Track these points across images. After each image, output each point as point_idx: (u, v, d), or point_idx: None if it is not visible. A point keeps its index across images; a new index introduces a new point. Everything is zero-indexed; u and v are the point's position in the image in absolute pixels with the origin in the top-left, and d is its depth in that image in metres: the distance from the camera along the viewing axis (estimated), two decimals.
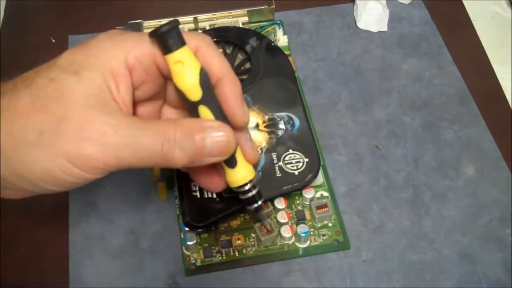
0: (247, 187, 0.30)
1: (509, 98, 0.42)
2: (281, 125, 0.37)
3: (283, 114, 0.37)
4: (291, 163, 0.35)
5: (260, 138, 0.36)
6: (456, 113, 0.41)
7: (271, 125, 0.37)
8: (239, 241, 0.34)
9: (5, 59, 0.44)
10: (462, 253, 0.34)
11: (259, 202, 0.31)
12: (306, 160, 0.35)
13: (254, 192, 0.31)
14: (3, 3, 0.48)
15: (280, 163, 0.35)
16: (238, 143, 0.29)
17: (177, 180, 0.35)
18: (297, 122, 0.37)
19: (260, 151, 0.36)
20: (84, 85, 0.25)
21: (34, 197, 0.37)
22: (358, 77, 0.43)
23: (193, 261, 0.33)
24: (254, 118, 0.37)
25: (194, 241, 0.33)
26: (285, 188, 0.34)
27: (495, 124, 0.40)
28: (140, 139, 0.25)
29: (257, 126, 0.37)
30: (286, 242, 0.34)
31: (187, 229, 0.34)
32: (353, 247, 0.35)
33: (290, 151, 0.36)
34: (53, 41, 0.46)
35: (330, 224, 0.35)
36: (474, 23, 0.47)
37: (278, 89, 0.39)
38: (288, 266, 0.34)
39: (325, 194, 0.36)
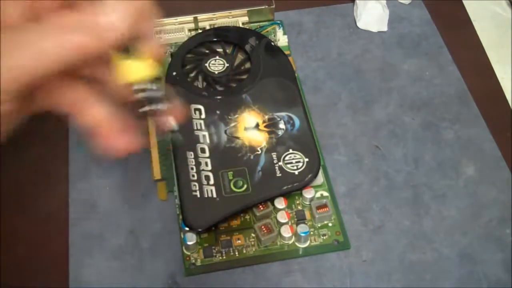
0: (140, 86, 0.25)
1: (509, 98, 0.42)
2: (281, 125, 0.37)
3: (283, 114, 0.37)
4: (291, 163, 0.35)
5: (260, 138, 0.36)
6: (456, 113, 0.41)
7: (271, 125, 0.37)
8: (239, 241, 0.34)
9: None
10: (462, 253, 0.34)
11: (156, 107, 0.25)
12: (306, 160, 0.35)
13: (148, 93, 0.25)
14: None
15: (280, 163, 0.35)
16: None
17: (177, 180, 0.35)
18: (297, 122, 0.37)
19: (260, 151, 0.36)
20: None
21: (34, 198, 0.37)
22: (358, 77, 0.43)
23: (193, 261, 0.33)
24: (254, 118, 0.37)
25: (194, 241, 0.33)
26: (285, 188, 0.35)
27: (495, 124, 0.40)
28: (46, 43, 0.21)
29: (257, 126, 0.37)
30: (286, 242, 0.34)
31: (187, 229, 0.34)
32: (353, 247, 0.35)
33: (290, 151, 0.36)
34: None
35: (330, 224, 0.35)
36: (474, 23, 0.47)
37: (278, 89, 0.39)
38: (288, 266, 0.34)
39: (325, 194, 0.36)
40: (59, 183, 0.37)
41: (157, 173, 0.37)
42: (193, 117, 0.37)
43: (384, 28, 0.46)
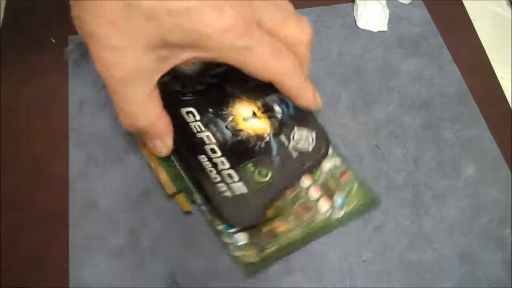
0: None
1: (509, 98, 0.42)
2: (277, 108, 0.36)
3: (273, 97, 0.37)
4: (302, 140, 0.35)
5: (262, 125, 0.36)
6: (456, 113, 0.41)
7: (268, 110, 0.36)
8: (282, 228, 0.34)
9: (5, 59, 0.44)
10: (462, 253, 0.34)
11: None
12: (314, 133, 0.35)
13: None
14: (3, 3, 0.48)
15: (292, 144, 0.35)
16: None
17: (199, 188, 0.34)
18: (290, 101, 0.36)
19: (268, 137, 0.35)
20: None
21: (34, 197, 0.37)
22: (358, 77, 0.43)
23: (251, 259, 0.33)
24: (249, 107, 0.36)
25: (247, 240, 0.33)
26: (306, 166, 0.34)
27: (495, 124, 0.40)
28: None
29: (254, 114, 0.36)
30: (324, 215, 0.34)
31: (232, 231, 0.33)
32: (353, 247, 0.35)
33: (295, 129, 0.35)
34: (53, 41, 0.45)
35: (355, 188, 0.35)
36: (474, 23, 0.47)
37: None
38: (288, 266, 0.34)
39: (337, 162, 0.36)
40: (59, 183, 0.37)
41: (170, 187, 0.35)
42: (188, 120, 0.36)
43: (384, 28, 0.46)
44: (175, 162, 0.36)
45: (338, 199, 0.34)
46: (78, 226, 0.35)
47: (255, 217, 0.33)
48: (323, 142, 0.35)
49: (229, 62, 0.28)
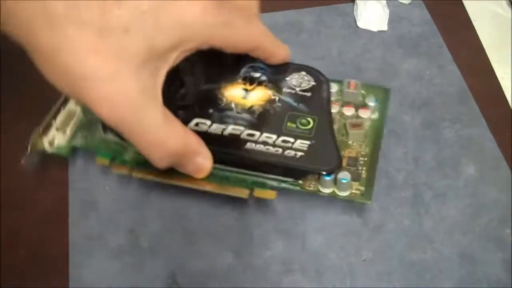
0: None
1: (509, 98, 0.42)
2: (257, 74, 0.36)
3: (244, 70, 0.36)
4: (301, 82, 0.35)
5: (262, 93, 0.35)
6: (456, 113, 0.41)
7: (253, 80, 0.35)
8: (354, 152, 0.34)
9: (5, 59, 0.44)
10: (462, 253, 0.34)
11: None
12: (304, 72, 0.35)
13: None
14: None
15: (298, 89, 0.35)
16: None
17: (269, 167, 0.33)
18: (260, 64, 0.36)
19: (276, 97, 0.35)
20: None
21: (34, 197, 0.37)
22: (358, 77, 0.43)
23: (358, 191, 0.33)
24: (237, 89, 0.35)
25: (343, 179, 0.32)
26: (325, 97, 0.35)
27: (495, 123, 0.40)
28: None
29: (247, 90, 0.36)
30: (369, 121, 0.35)
31: (330, 178, 0.32)
32: (353, 247, 0.35)
33: (288, 78, 0.35)
34: None
35: (365, 89, 0.36)
36: (474, 23, 0.47)
37: (206, 61, 0.35)
38: (288, 265, 0.34)
39: (334, 85, 0.37)
40: (59, 183, 0.37)
41: (240, 191, 0.33)
42: (202, 130, 0.34)
43: (384, 27, 0.46)
44: (223, 172, 0.34)
45: (370, 100, 0.35)
46: (78, 226, 0.35)
47: (337, 153, 0.33)
48: (316, 73, 0.35)
49: (213, 44, 0.28)
